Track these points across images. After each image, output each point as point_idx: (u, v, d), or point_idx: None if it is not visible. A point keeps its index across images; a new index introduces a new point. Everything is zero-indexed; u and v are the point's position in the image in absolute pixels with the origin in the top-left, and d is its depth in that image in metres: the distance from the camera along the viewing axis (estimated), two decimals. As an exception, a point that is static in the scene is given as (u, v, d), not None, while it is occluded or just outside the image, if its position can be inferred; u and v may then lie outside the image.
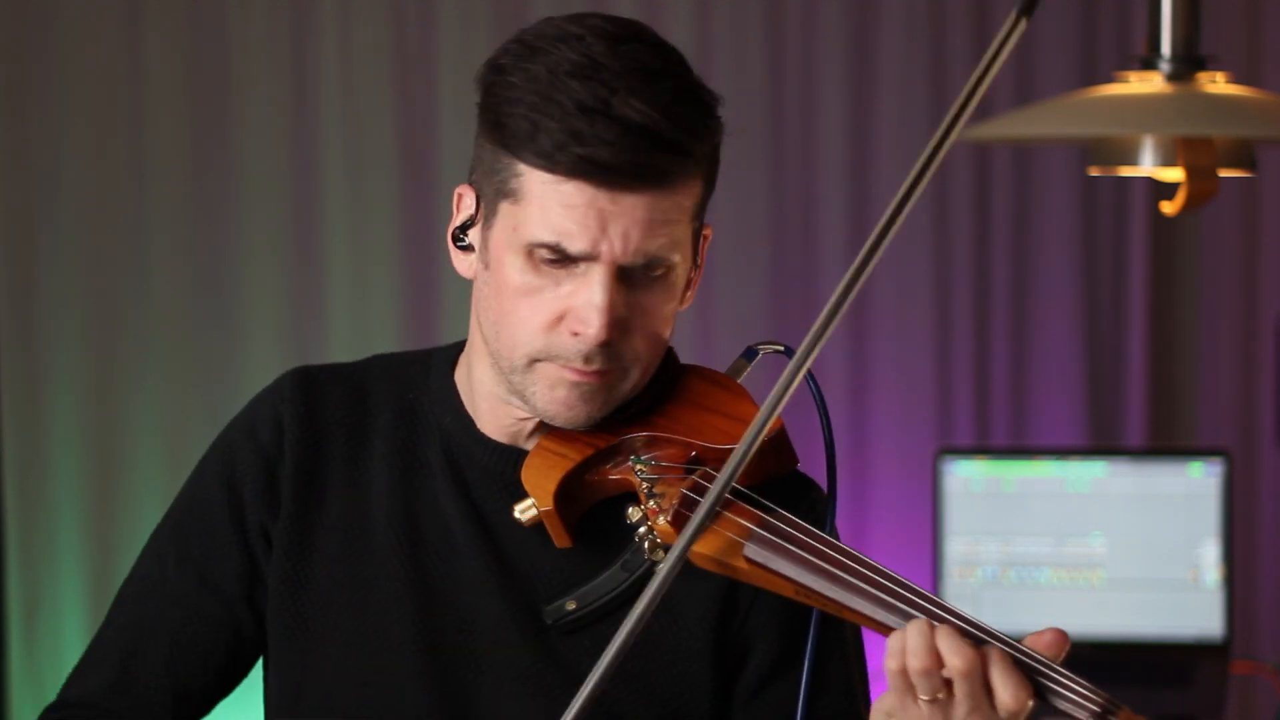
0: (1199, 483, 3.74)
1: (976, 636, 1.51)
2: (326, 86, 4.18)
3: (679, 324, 4.64)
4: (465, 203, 1.69)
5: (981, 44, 4.21)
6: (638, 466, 1.66)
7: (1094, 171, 2.90)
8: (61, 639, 4.17)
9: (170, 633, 1.75)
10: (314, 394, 1.78)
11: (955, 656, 1.48)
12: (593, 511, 1.70)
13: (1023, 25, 1.53)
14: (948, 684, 1.49)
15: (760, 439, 1.56)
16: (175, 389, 4.20)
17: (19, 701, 4.16)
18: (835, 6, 4.19)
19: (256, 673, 1.83)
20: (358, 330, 4.18)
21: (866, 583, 1.54)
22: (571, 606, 1.67)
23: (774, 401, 1.57)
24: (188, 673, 1.75)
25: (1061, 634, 1.52)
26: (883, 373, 4.25)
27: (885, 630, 1.54)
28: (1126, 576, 3.75)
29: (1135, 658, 3.71)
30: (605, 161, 1.56)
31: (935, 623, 1.50)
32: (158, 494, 4.16)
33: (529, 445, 1.71)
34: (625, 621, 1.51)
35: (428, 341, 3.66)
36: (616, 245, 1.59)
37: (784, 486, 1.69)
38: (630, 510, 1.64)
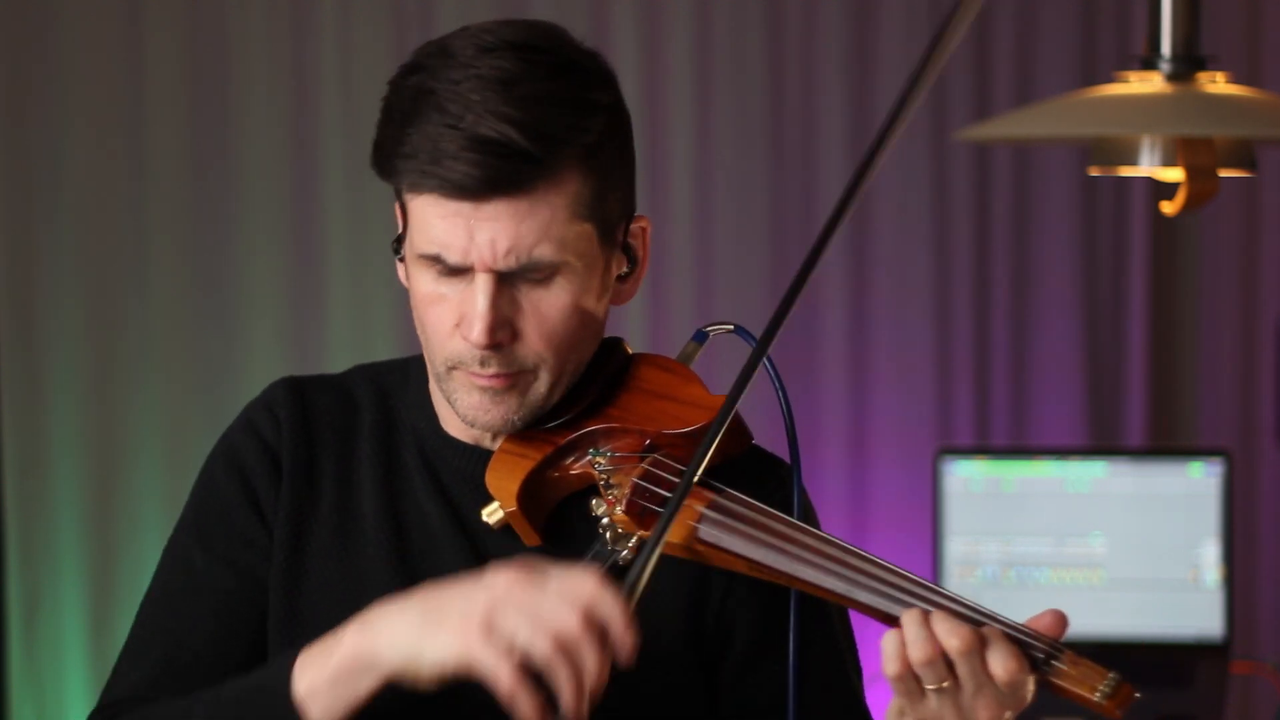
0: (1199, 483, 3.74)
1: (974, 618, 1.52)
2: (326, 86, 4.18)
3: (678, 322, 4.59)
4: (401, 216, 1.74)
5: (981, 44, 4.21)
6: (596, 460, 1.69)
7: (1094, 171, 2.90)
8: (61, 639, 4.17)
9: (213, 618, 1.75)
10: (304, 398, 1.81)
11: (952, 637, 1.50)
12: (560, 507, 1.72)
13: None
14: (950, 670, 1.50)
15: (719, 437, 1.58)
16: (175, 389, 4.20)
17: (19, 701, 4.16)
18: (835, 6, 4.19)
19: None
20: (358, 330, 4.18)
21: (819, 555, 1.57)
22: None
23: (735, 394, 1.59)
24: (236, 655, 1.75)
25: (1060, 615, 1.53)
26: (883, 373, 4.25)
27: (847, 601, 1.56)
28: (1126, 576, 3.75)
29: (1135, 658, 3.71)
30: (457, 179, 1.60)
31: (928, 608, 1.52)
32: (158, 494, 4.16)
33: (494, 445, 1.74)
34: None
35: (428, 341, 3.66)
36: (486, 253, 1.62)
37: (746, 466, 1.71)
38: (593, 503, 1.66)
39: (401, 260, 1.73)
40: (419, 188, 1.63)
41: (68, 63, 4.15)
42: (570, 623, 1.51)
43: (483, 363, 1.66)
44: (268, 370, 4.12)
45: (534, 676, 1.51)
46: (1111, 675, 1.49)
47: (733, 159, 4.22)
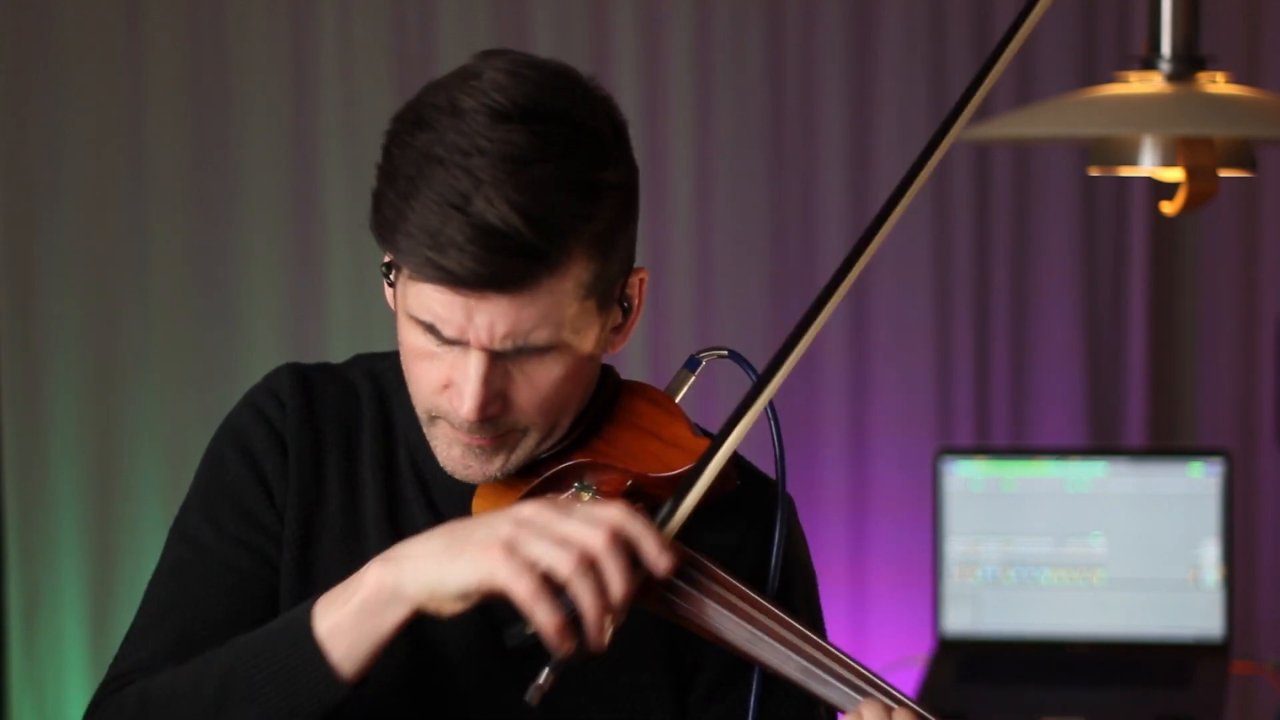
0: (1199, 483, 3.74)
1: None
2: (326, 86, 4.18)
3: (678, 323, 4.61)
4: None
5: (981, 44, 4.21)
6: (582, 494, 1.67)
7: (1094, 171, 2.89)
8: (61, 639, 4.17)
9: (227, 593, 1.71)
10: (310, 387, 1.78)
11: None
12: None
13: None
14: None
15: (701, 493, 1.58)
16: (175, 389, 4.20)
17: (19, 701, 4.16)
18: (835, 6, 4.19)
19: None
20: (358, 330, 4.18)
21: (779, 641, 1.57)
22: (531, 630, 1.67)
23: (714, 448, 1.59)
24: (252, 628, 1.74)
25: None
26: (883, 373, 4.25)
27: (802, 689, 1.56)
28: (1126, 576, 3.75)
29: (1135, 658, 3.71)
30: (454, 271, 1.55)
31: (893, 705, 1.52)
32: (158, 494, 4.16)
33: None
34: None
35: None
36: (483, 335, 1.58)
37: (736, 497, 1.69)
38: None
39: (391, 285, 1.68)
40: (420, 273, 1.57)
41: (68, 63, 4.16)
42: (594, 539, 1.50)
43: (469, 430, 1.63)
44: (267, 370, 4.12)
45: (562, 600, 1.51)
46: None
47: (733, 159, 4.22)
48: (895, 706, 1.52)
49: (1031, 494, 3.78)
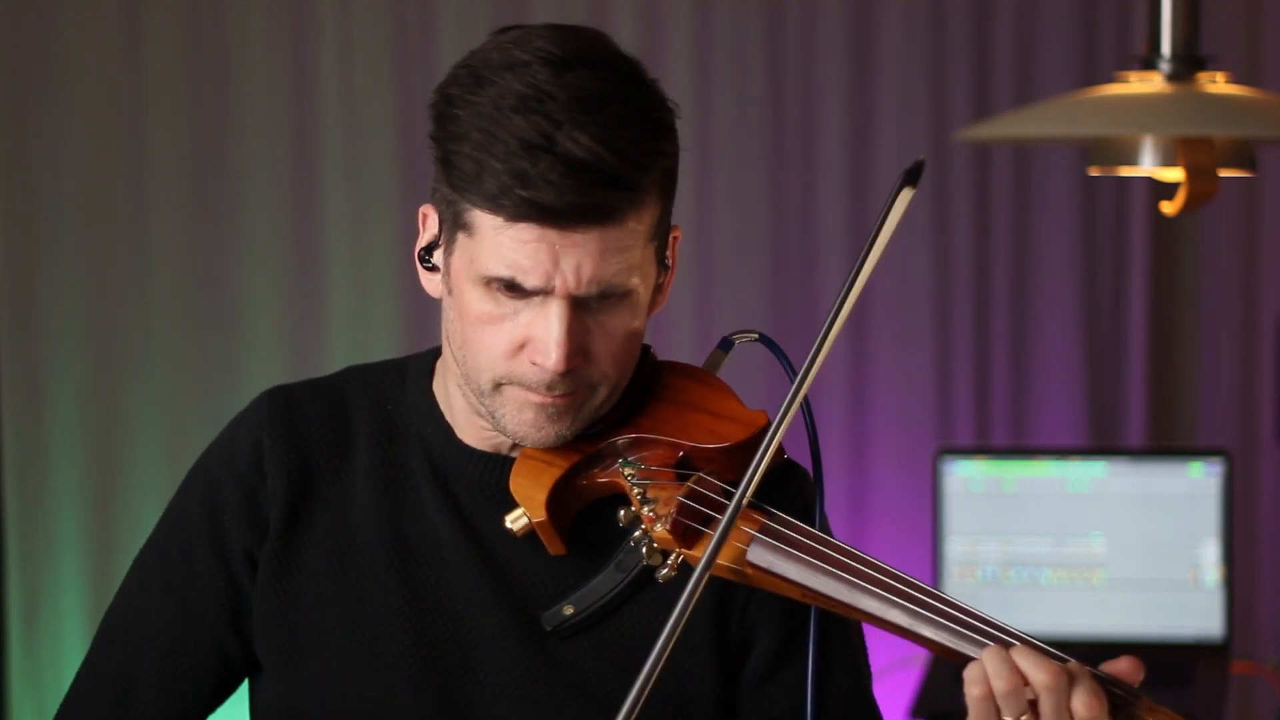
0: (1199, 483, 3.74)
1: (1058, 655, 1.52)
2: (326, 86, 4.18)
3: (678, 324, 4.61)
4: (430, 223, 1.70)
5: (982, 44, 4.21)
6: (626, 470, 1.66)
7: (1094, 171, 2.90)
8: (61, 639, 4.17)
9: (159, 665, 1.76)
10: (293, 413, 1.77)
11: (1040, 671, 1.50)
12: (581, 514, 1.70)
13: (908, 194, 1.53)
14: (1031, 704, 1.51)
15: (768, 460, 1.56)
16: (175, 389, 4.20)
17: (19, 701, 4.16)
18: (835, 6, 4.19)
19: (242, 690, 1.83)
20: (358, 330, 4.18)
21: (873, 583, 1.56)
22: (569, 611, 1.67)
23: (780, 419, 1.57)
24: (181, 702, 1.76)
25: (1137, 662, 1.54)
26: (883, 373, 4.25)
27: (895, 629, 1.55)
28: (1126, 576, 3.75)
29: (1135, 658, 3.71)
30: (550, 204, 1.56)
31: (1011, 643, 1.52)
32: (158, 494, 4.16)
33: (513, 454, 1.72)
34: (655, 645, 1.51)
35: (427, 342, 3.65)
36: (570, 279, 1.59)
37: (770, 476, 1.69)
38: (622, 513, 1.64)
39: (430, 269, 1.69)
40: (512, 214, 1.57)
41: (68, 63, 4.15)
42: None
43: (550, 386, 1.63)
44: (268, 370, 4.12)
45: None
46: None
47: (733, 160, 4.22)
48: (1013, 645, 1.52)
49: (1031, 494, 3.78)
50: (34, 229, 4.18)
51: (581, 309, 1.61)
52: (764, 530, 1.59)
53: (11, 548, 4.20)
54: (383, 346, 4.11)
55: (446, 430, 1.74)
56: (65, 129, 4.16)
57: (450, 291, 1.66)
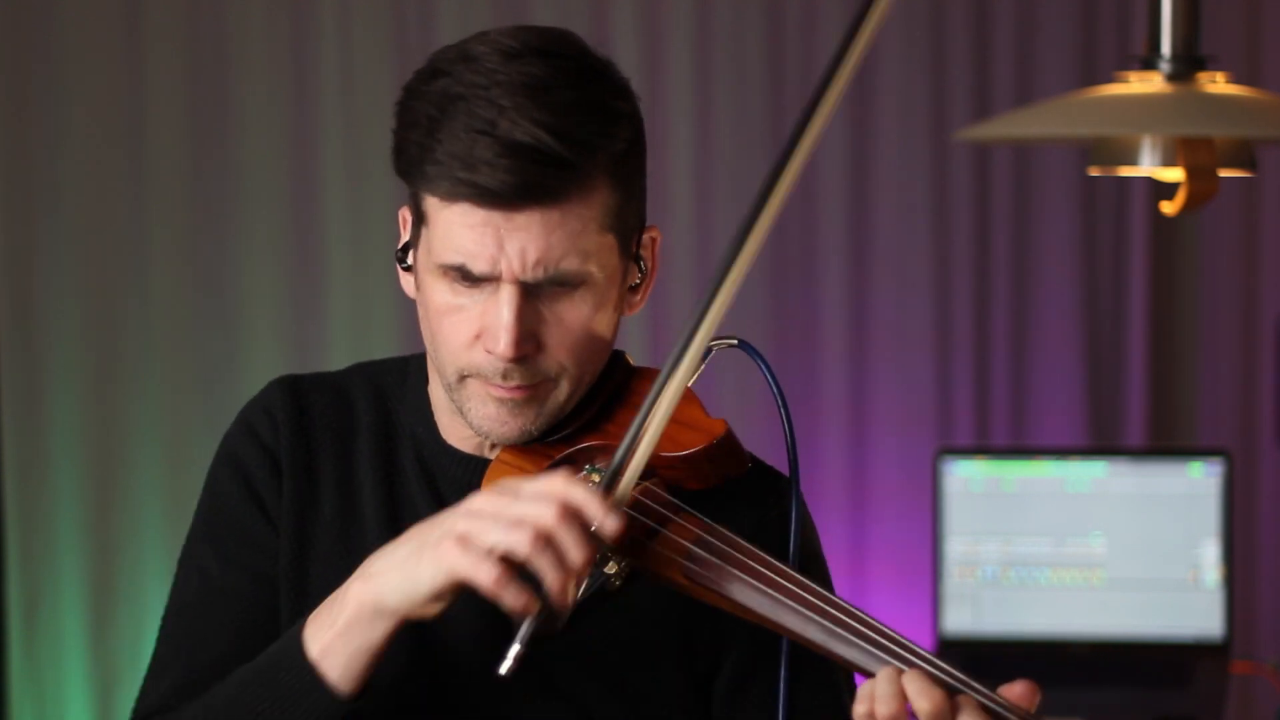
0: (1199, 483, 3.74)
1: (948, 683, 1.51)
2: (326, 86, 4.18)
3: (678, 324, 4.63)
4: (407, 225, 1.72)
5: (982, 44, 4.21)
6: (592, 476, 1.67)
7: (1094, 171, 2.89)
8: (61, 639, 4.17)
9: (234, 625, 1.75)
10: (301, 398, 1.79)
11: (922, 699, 1.50)
12: None
13: None
14: None
15: (660, 409, 1.58)
16: (175, 389, 4.20)
17: (19, 701, 4.16)
18: (835, 6, 4.19)
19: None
20: (358, 330, 4.18)
21: (802, 604, 1.56)
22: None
23: (673, 360, 1.58)
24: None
25: (1032, 686, 1.52)
26: (883, 373, 4.25)
27: (815, 646, 1.55)
28: (1126, 576, 3.75)
29: (1135, 658, 3.71)
30: (488, 185, 1.58)
31: (904, 667, 1.52)
32: (158, 494, 4.16)
33: (493, 454, 1.74)
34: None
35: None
36: (515, 263, 1.61)
37: (746, 484, 1.72)
38: None
39: (406, 269, 1.71)
40: (450, 195, 1.60)
41: (68, 63, 4.15)
42: (545, 515, 1.53)
43: (505, 375, 1.64)
44: (268, 370, 4.12)
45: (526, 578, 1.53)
46: None
47: (733, 160, 4.22)
48: (905, 669, 1.52)
49: (1031, 494, 3.78)
50: (34, 229, 4.18)
51: (533, 296, 1.63)
52: (699, 543, 1.60)
53: (11, 548, 4.21)
54: (383, 346, 4.11)
55: (434, 430, 1.77)
56: (65, 129, 4.16)
57: (419, 287, 1.69)
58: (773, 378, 1.69)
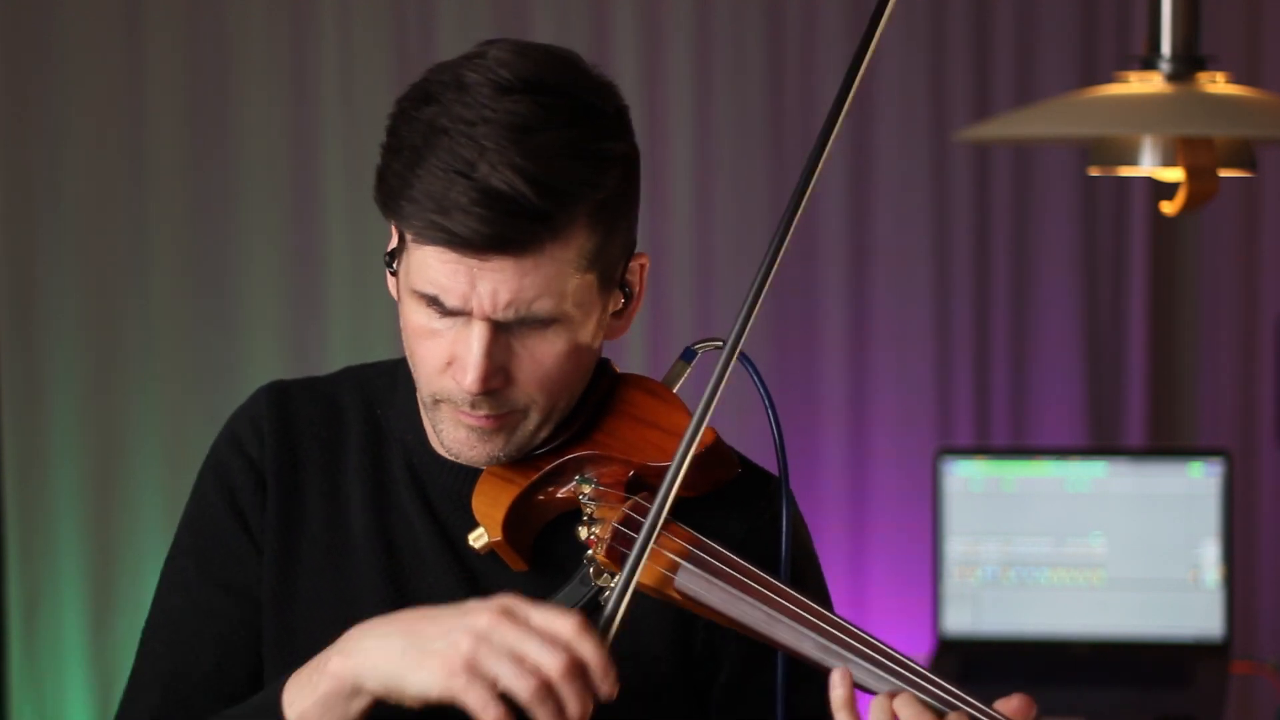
0: (1199, 483, 3.74)
1: (938, 703, 1.51)
2: (326, 86, 4.18)
3: (678, 324, 4.60)
4: (395, 231, 1.70)
5: (982, 45, 4.21)
6: (584, 488, 1.67)
7: (1094, 171, 2.90)
8: (61, 639, 4.17)
9: (214, 644, 1.74)
10: (289, 408, 1.78)
11: None
12: (549, 527, 1.70)
13: None
14: None
15: (685, 465, 1.56)
16: (175, 389, 4.20)
17: (19, 701, 4.16)
18: (835, 6, 4.19)
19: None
20: (357, 330, 4.18)
21: (795, 619, 1.56)
22: None
23: (701, 414, 1.57)
24: (239, 677, 1.74)
25: (1028, 700, 1.52)
26: (883, 373, 4.25)
27: (809, 661, 1.55)
28: (1126, 576, 3.75)
29: (1135, 658, 3.71)
30: (459, 232, 1.56)
31: (896, 681, 1.52)
32: (158, 494, 4.16)
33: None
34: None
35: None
36: (486, 303, 1.59)
37: (736, 488, 1.70)
38: (579, 530, 1.65)
39: (393, 273, 1.69)
40: (423, 237, 1.58)
41: (68, 63, 4.15)
42: (552, 665, 1.51)
43: (473, 405, 1.63)
44: (268, 370, 4.12)
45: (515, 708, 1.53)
46: None
47: (733, 158, 4.22)
48: (896, 694, 1.51)
49: (1031, 494, 3.78)
50: (34, 229, 4.18)
51: (504, 332, 1.61)
52: (689, 557, 1.60)
53: (11, 548, 4.21)
54: (382, 347, 4.11)
55: (424, 437, 1.75)
56: (65, 129, 4.16)
57: (399, 301, 1.67)
58: (761, 382, 1.68)
